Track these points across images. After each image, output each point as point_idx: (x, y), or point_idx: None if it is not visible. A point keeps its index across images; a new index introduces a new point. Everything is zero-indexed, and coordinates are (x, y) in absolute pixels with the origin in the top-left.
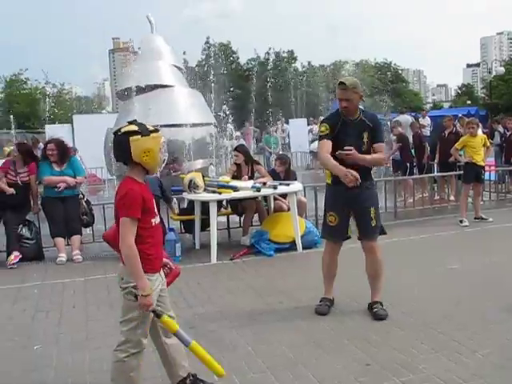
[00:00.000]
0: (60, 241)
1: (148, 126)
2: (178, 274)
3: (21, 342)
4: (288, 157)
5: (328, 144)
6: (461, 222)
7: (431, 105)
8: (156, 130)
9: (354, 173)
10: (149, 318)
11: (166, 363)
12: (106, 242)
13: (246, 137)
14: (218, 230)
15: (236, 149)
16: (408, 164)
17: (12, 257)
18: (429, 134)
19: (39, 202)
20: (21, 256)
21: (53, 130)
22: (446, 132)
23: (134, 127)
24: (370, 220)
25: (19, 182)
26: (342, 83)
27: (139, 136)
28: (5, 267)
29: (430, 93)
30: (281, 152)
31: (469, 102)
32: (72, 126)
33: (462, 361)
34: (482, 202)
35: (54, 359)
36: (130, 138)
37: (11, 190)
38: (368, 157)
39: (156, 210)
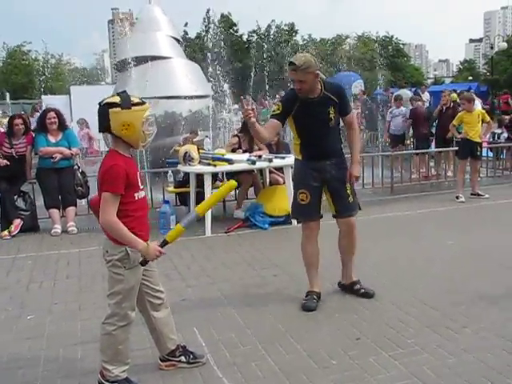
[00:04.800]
0: (55, 212)
1: (133, 99)
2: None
3: (14, 312)
4: None
5: (272, 123)
6: (457, 197)
7: (432, 80)
8: (140, 103)
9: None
10: (135, 291)
11: (154, 336)
12: (91, 208)
13: None
14: None
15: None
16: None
17: (12, 227)
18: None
19: (34, 174)
20: (22, 224)
21: (50, 101)
22: (444, 107)
23: (116, 99)
24: (347, 196)
25: (14, 154)
26: (291, 63)
27: (119, 108)
28: None
29: (431, 68)
30: None
31: (470, 77)
32: (70, 97)
33: (453, 336)
34: (479, 179)
35: (46, 329)
36: (110, 110)
37: (4, 162)
38: (355, 156)
39: (140, 184)
